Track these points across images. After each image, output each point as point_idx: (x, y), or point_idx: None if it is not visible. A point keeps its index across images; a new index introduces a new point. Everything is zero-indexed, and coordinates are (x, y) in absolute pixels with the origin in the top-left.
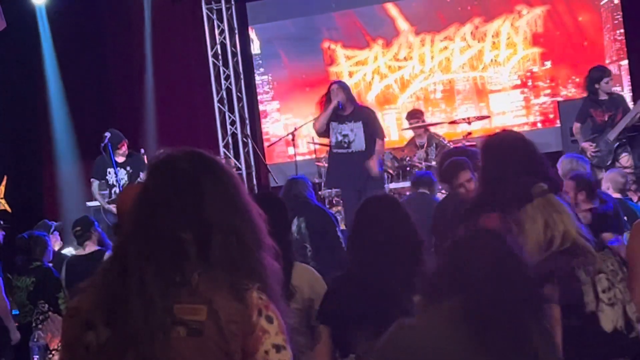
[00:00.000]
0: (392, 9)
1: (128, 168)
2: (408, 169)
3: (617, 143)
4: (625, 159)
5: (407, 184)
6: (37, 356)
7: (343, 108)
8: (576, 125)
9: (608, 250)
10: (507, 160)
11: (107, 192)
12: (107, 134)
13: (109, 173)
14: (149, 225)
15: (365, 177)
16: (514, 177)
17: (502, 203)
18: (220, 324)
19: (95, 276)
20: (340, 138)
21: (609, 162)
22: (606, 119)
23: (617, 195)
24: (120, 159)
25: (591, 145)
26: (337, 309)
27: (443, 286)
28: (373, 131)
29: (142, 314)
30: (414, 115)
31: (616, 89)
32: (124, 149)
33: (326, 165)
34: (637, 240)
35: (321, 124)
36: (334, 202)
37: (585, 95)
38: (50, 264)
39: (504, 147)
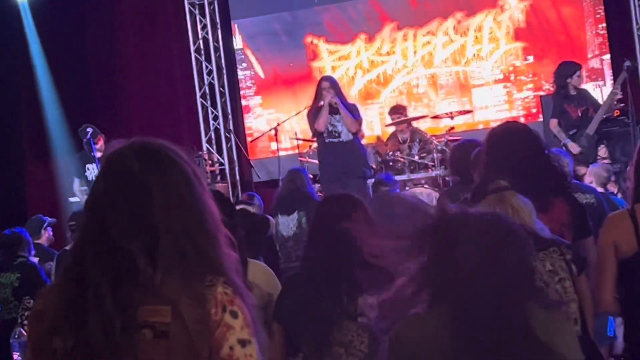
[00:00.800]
0: (374, 4)
1: None
2: (391, 163)
3: (597, 137)
4: (602, 150)
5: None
6: (18, 353)
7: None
8: (553, 122)
9: (555, 249)
10: (509, 154)
11: (86, 188)
12: (89, 129)
13: (88, 169)
14: (98, 234)
15: (349, 170)
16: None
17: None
18: (186, 324)
19: (58, 278)
20: (330, 128)
21: (594, 157)
22: (579, 113)
23: (601, 190)
24: (98, 154)
25: (576, 144)
26: (289, 308)
27: (428, 286)
28: (357, 122)
29: (102, 320)
30: (397, 110)
31: (598, 83)
32: (101, 143)
33: (310, 160)
34: (609, 235)
35: (324, 124)
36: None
37: (556, 90)
38: (36, 259)
39: (508, 139)
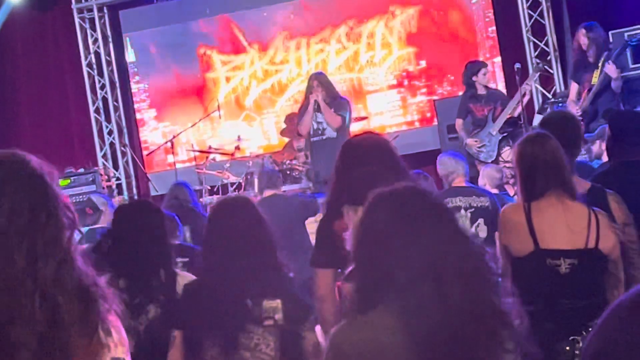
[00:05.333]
0: (264, 13)
1: None
2: (289, 172)
3: (500, 136)
4: (507, 153)
5: (292, 187)
6: None
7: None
8: (458, 122)
9: None
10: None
11: None
12: None
13: None
14: None
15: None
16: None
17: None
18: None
19: None
20: (316, 126)
21: (494, 157)
22: (486, 112)
23: (495, 191)
24: None
25: (475, 141)
26: (188, 315)
27: (369, 290)
28: (342, 117)
29: None
30: (292, 119)
31: (491, 86)
32: None
33: (207, 172)
34: (506, 236)
35: (306, 125)
36: None
37: (463, 91)
38: None
39: (365, 146)
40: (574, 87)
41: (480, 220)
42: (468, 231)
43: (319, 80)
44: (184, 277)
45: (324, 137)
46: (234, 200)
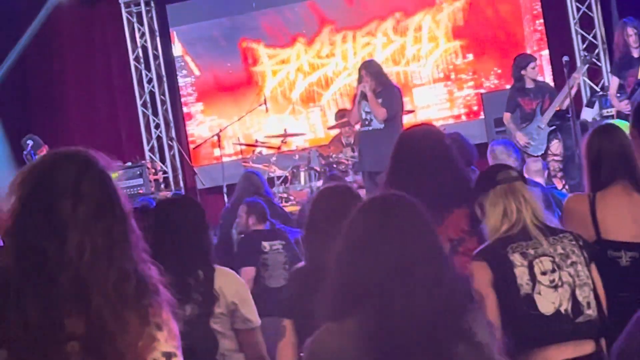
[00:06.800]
0: (311, 6)
1: None
2: (335, 166)
3: (549, 130)
4: (555, 145)
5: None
6: None
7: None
8: (506, 116)
9: (566, 235)
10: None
11: None
12: (30, 142)
13: None
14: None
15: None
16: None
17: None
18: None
19: None
20: (364, 116)
21: (543, 150)
22: (534, 106)
23: (540, 180)
24: None
25: (524, 136)
26: (300, 303)
27: (343, 297)
28: (388, 107)
29: (29, 332)
30: (343, 115)
31: (539, 79)
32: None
33: (253, 165)
34: (569, 225)
35: (355, 116)
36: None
37: (512, 85)
38: None
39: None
40: (614, 81)
41: None
42: (444, 249)
43: (367, 69)
44: (222, 273)
45: (370, 128)
46: (336, 187)
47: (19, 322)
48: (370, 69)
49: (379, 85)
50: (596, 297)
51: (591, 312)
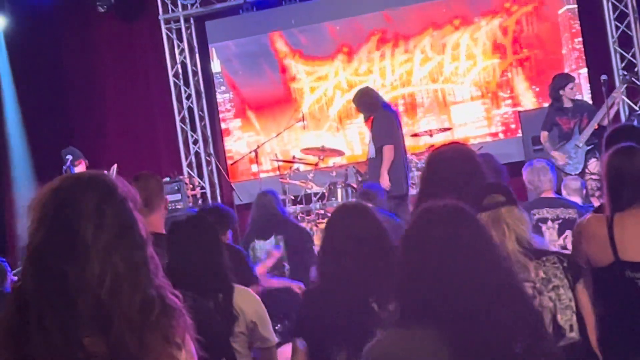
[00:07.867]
0: (353, 23)
1: None
2: None
3: (587, 148)
4: (593, 164)
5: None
6: None
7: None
8: (543, 134)
9: (549, 258)
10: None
11: None
12: (69, 157)
13: None
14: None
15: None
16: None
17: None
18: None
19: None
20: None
21: (580, 169)
22: (572, 125)
23: (577, 200)
24: None
25: (562, 154)
26: (312, 323)
27: (416, 307)
28: (375, 142)
29: (48, 351)
30: None
31: (577, 97)
32: (81, 167)
33: (290, 181)
34: (586, 245)
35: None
36: (298, 218)
37: (549, 103)
38: None
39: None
40: None
41: (568, 232)
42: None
43: (353, 101)
44: (241, 292)
45: (369, 157)
46: (354, 206)
47: (41, 342)
48: (354, 101)
49: (367, 113)
50: (581, 319)
51: (574, 334)
